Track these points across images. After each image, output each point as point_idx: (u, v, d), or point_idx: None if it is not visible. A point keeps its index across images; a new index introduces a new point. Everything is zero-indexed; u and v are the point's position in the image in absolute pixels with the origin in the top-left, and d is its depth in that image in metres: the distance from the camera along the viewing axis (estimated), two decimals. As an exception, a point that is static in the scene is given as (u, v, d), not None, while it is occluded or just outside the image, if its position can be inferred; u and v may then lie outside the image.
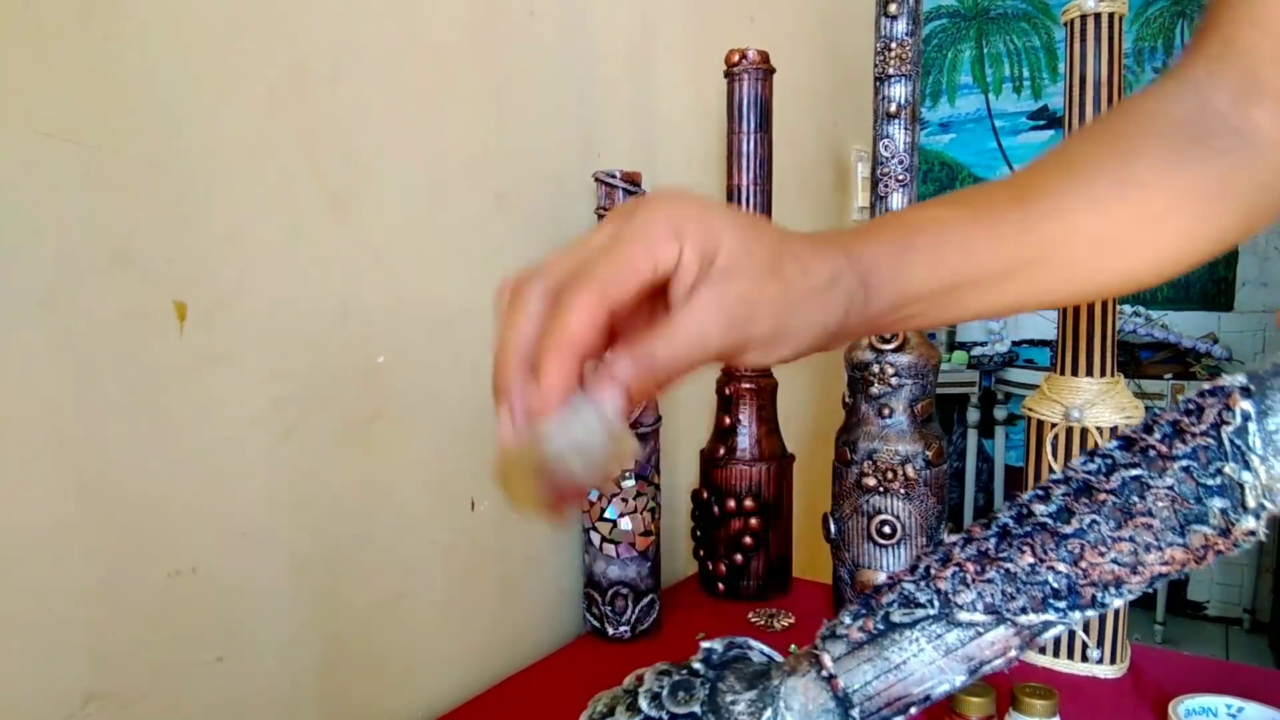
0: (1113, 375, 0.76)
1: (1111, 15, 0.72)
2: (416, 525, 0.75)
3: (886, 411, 0.84)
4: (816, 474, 1.34)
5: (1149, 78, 2.79)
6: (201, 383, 0.58)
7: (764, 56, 0.93)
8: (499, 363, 0.31)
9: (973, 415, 2.77)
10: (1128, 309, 2.65)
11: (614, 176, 0.82)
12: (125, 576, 0.54)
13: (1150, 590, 0.29)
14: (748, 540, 0.95)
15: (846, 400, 0.89)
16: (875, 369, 0.84)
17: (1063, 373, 0.76)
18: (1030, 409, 0.78)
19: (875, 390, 0.84)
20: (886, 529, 0.84)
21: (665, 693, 0.33)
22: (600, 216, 0.83)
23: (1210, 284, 2.69)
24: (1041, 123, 3.01)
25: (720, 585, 0.97)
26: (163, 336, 0.56)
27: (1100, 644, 0.76)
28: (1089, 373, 0.75)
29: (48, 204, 0.50)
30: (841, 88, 1.51)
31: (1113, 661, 0.77)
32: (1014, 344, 2.89)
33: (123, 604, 0.54)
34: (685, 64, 1.10)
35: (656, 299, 0.33)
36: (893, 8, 0.84)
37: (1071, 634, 0.77)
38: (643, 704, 0.33)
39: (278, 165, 0.62)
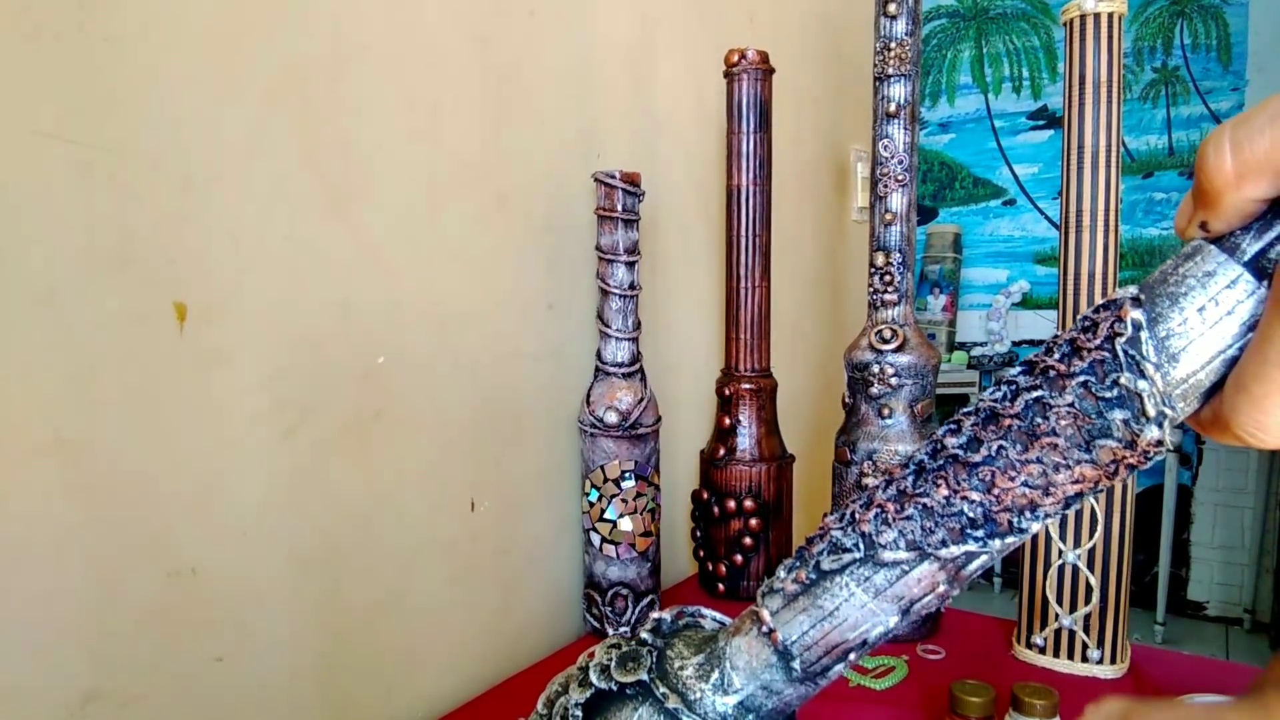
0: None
1: (1111, 15, 0.72)
2: (416, 525, 0.75)
3: (886, 412, 0.84)
4: (816, 474, 1.34)
5: (1149, 78, 2.80)
6: (201, 383, 0.58)
7: (764, 56, 0.93)
8: None
9: (972, 415, 2.76)
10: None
11: (614, 176, 0.82)
12: (125, 576, 0.54)
13: (1068, 512, 0.29)
14: (748, 540, 0.95)
15: (846, 400, 0.89)
16: (875, 369, 0.84)
17: (1063, 373, 0.76)
18: (1030, 409, 0.78)
19: (875, 390, 0.84)
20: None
21: (613, 664, 0.33)
22: (600, 217, 0.83)
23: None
24: (1041, 123, 3.01)
25: (720, 585, 0.97)
26: (163, 336, 0.56)
27: (1100, 644, 0.76)
28: (1089, 373, 0.75)
29: (48, 204, 0.50)
30: (841, 88, 1.51)
31: (1113, 661, 0.77)
32: (1014, 344, 2.89)
33: (123, 604, 0.54)
34: (685, 64, 1.10)
35: None
36: (893, 8, 0.84)
37: (1071, 634, 0.77)
38: (593, 677, 0.33)
39: (277, 165, 0.62)
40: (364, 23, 0.68)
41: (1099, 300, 0.75)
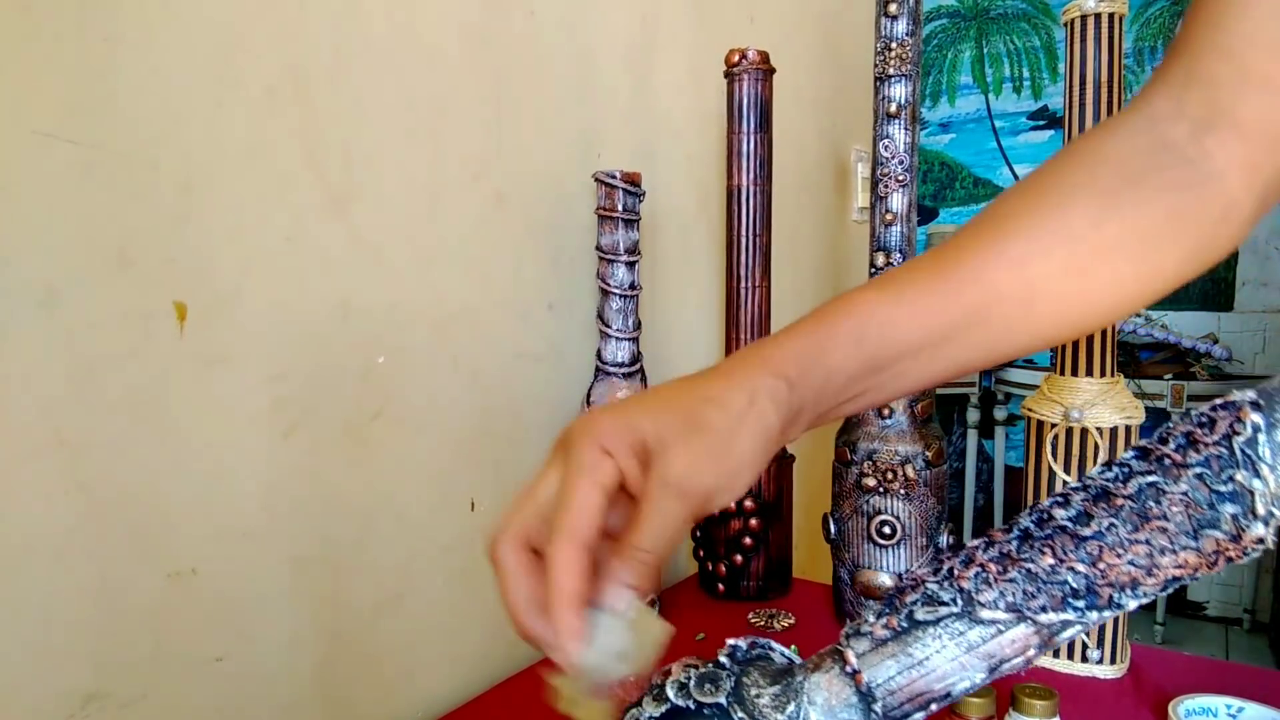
0: (1113, 375, 0.76)
1: (1111, 15, 0.72)
2: (416, 525, 0.75)
3: (886, 412, 0.84)
4: (816, 474, 1.34)
5: (1149, 78, 2.79)
6: (201, 383, 0.58)
7: (764, 56, 0.93)
8: (517, 625, 0.37)
9: (973, 415, 2.76)
10: (1128, 309, 2.64)
11: (614, 176, 0.82)
12: (125, 577, 0.54)
13: (1164, 594, 0.30)
14: (748, 540, 0.95)
15: (846, 400, 0.89)
16: (875, 369, 0.84)
17: (1063, 373, 0.76)
18: (1030, 409, 0.78)
19: (875, 390, 0.84)
20: (886, 529, 0.84)
21: (692, 683, 0.34)
22: (600, 217, 0.83)
23: (1210, 284, 2.69)
24: (1041, 123, 3.00)
25: (720, 585, 0.97)
26: (163, 336, 0.56)
27: (1100, 644, 0.76)
28: (1089, 373, 0.75)
29: (48, 204, 0.50)
30: (841, 88, 1.51)
31: (1113, 661, 0.77)
32: (1014, 344, 2.88)
33: (123, 604, 0.54)
34: (685, 64, 1.10)
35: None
36: (893, 8, 0.84)
37: (1071, 634, 0.77)
38: (670, 693, 0.34)
39: (277, 165, 0.62)
40: (364, 23, 0.68)
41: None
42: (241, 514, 0.61)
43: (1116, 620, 0.76)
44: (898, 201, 0.85)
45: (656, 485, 0.35)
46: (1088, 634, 0.77)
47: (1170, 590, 0.30)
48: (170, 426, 0.56)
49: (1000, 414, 2.79)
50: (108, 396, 0.53)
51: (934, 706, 0.31)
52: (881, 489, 0.83)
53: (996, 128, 3.08)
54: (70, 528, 0.51)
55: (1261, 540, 0.28)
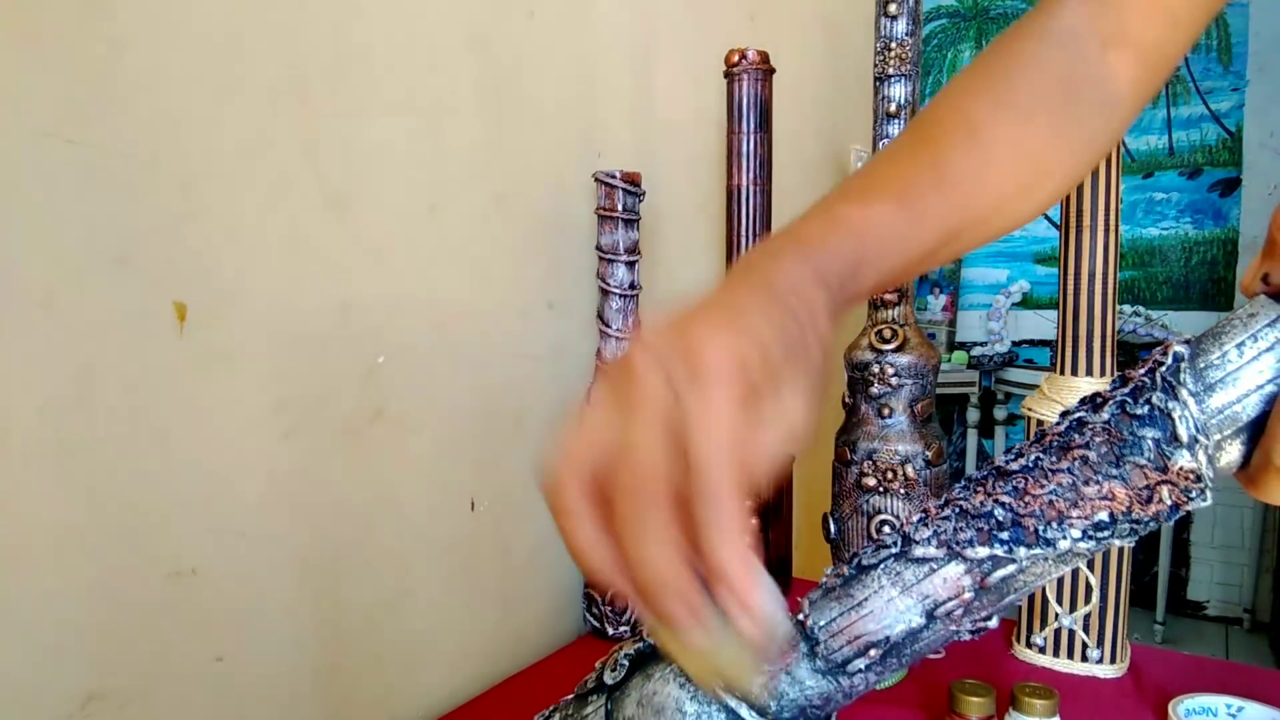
0: (1112, 375, 0.76)
1: (1111, 15, 0.72)
2: (416, 525, 0.75)
3: (886, 411, 0.84)
4: (816, 474, 1.34)
5: (1149, 78, 2.79)
6: (201, 383, 0.58)
7: (764, 56, 0.93)
8: (601, 577, 0.30)
9: (973, 415, 2.76)
10: (1127, 309, 2.65)
11: (614, 176, 0.82)
12: (125, 577, 0.54)
13: (1101, 535, 0.29)
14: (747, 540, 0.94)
15: (846, 400, 0.89)
16: (875, 369, 0.84)
17: (1062, 373, 0.76)
18: (1030, 409, 0.78)
19: (875, 390, 0.84)
20: (886, 529, 0.84)
21: (631, 659, 0.34)
22: (600, 217, 0.83)
23: (1210, 284, 2.69)
24: (1041, 123, 3.01)
25: (720, 585, 0.97)
26: (163, 336, 0.56)
27: (1100, 644, 0.76)
28: (1089, 373, 0.75)
29: (48, 204, 0.50)
30: (841, 88, 1.51)
31: (1113, 661, 0.77)
32: (1014, 344, 2.89)
33: (123, 604, 0.54)
34: (685, 64, 1.10)
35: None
36: (893, 8, 0.84)
37: (1071, 634, 0.77)
38: (606, 677, 0.34)
39: (278, 165, 0.62)
40: (364, 23, 0.68)
41: (1098, 309, 0.75)
42: (241, 514, 0.61)
43: (1116, 620, 0.76)
44: (898, 201, 0.85)
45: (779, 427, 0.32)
46: (1087, 633, 0.77)
47: (1106, 534, 0.29)
48: (170, 427, 0.56)
49: (1000, 414, 2.79)
50: (108, 396, 0.53)
51: (873, 652, 0.32)
52: (881, 489, 0.83)
53: (996, 128, 3.08)
54: (70, 528, 0.51)
55: (1194, 473, 0.28)
